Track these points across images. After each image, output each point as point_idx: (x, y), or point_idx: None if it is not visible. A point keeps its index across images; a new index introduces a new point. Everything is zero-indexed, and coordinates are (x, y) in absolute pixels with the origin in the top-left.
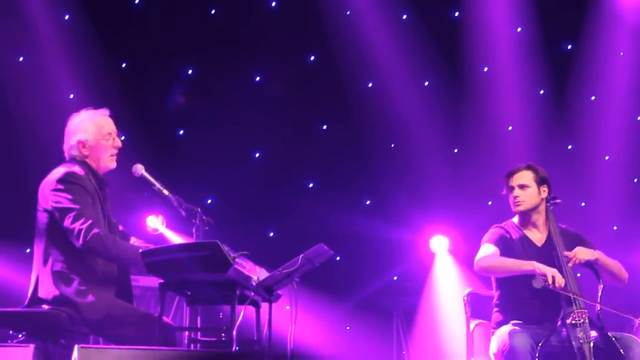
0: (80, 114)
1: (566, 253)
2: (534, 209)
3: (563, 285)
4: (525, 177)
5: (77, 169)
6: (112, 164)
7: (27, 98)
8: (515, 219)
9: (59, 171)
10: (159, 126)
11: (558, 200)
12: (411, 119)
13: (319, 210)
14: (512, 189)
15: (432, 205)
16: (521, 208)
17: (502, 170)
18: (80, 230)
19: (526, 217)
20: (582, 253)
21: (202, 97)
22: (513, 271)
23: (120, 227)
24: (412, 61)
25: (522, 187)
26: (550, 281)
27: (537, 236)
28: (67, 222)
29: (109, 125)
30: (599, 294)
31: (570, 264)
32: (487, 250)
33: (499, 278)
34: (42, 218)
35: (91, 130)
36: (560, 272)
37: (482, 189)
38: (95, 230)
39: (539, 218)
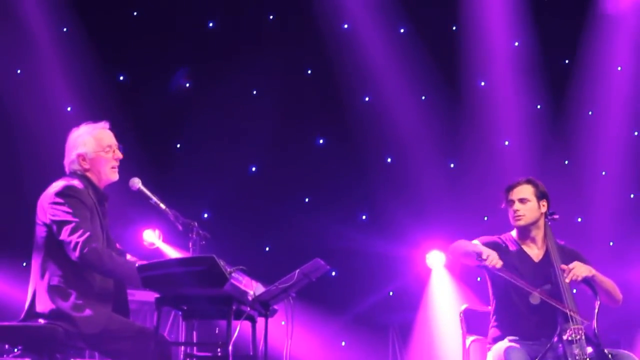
0: (80, 128)
1: (563, 266)
2: (534, 223)
3: (498, 266)
4: (526, 191)
5: (76, 182)
6: (114, 176)
7: (25, 110)
8: (514, 233)
9: (58, 184)
10: (156, 139)
11: (556, 216)
12: (408, 134)
13: (316, 224)
14: (512, 202)
15: (429, 220)
16: (521, 222)
17: (498, 185)
18: (77, 243)
19: (525, 232)
20: (579, 268)
21: (199, 111)
22: (464, 251)
23: (118, 245)
24: (409, 75)
25: (522, 200)
26: (484, 257)
27: (535, 251)
28: (64, 235)
29: (109, 138)
30: (596, 310)
31: (567, 279)
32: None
33: (495, 292)
34: (40, 232)
35: (91, 143)
36: (558, 288)
37: (479, 204)
38: (93, 245)
39: (538, 233)
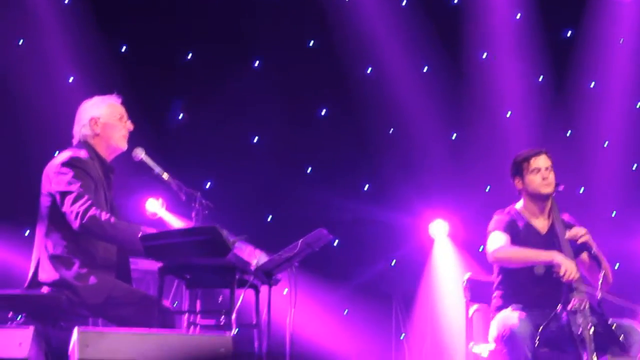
0: (92, 99)
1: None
2: (550, 194)
3: (575, 278)
4: (549, 160)
5: (83, 153)
6: (123, 144)
7: (27, 82)
8: (519, 206)
9: (64, 155)
10: (159, 110)
11: (561, 188)
12: (410, 105)
13: (318, 195)
14: (537, 170)
15: (432, 189)
16: (550, 190)
17: (501, 156)
18: (77, 212)
19: (536, 204)
20: (583, 231)
21: (202, 81)
22: (531, 262)
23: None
24: (411, 47)
25: (548, 169)
26: (562, 273)
27: (541, 224)
28: (66, 205)
29: (121, 109)
30: (600, 281)
31: (567, 235)
32: (498, 238)
33: (508, 267)
34: (45, 201)
35: (105, 109)
36: None
37: (481, 174)
38: (92, 212)
39: (547, 205)
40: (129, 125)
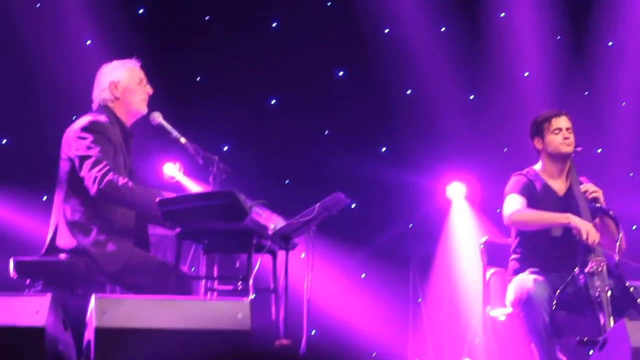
0: (111, 63)
1: (583, 186)
2: (570, 154)
3: (597, 241)
4: (567, 121)
5: (102, 118)
6: (143, 108)
7: (45, 44)
8: (538, 167)
9: (84, 119)
10: (176, 73)
11: (579, 149)
12: (428, 66)
13: (336, 157)
14: (558, 130)
15: (449, 152)
16: (571, 149)
17: (518, 116)
18: (95, 177)
19: (555, 164)
20: (594, 187)
21: (219, 44)
22: (548, 224)
23: None
24: (428, 7)
25: (568, 129)
26: (584, 236)
27: (559, 185)
28: (84, 170)
29: (141, 73)
30: (617, 243)
31: (582, 188)
32: (514, 201)
33: (524, 229)
34: (64, 166)
35: (124, 73)
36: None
37: (499, 135)
38: (110, 177)
39: (566, 166)
40: (149, 89)
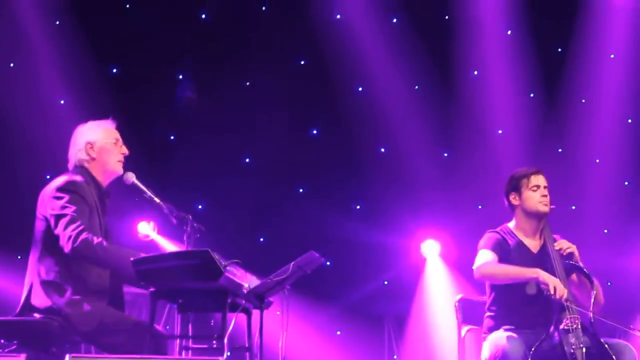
0: (87, 123)
1: (558, 242)
2: (546, 214)
3: (565, 296)
4: (544, 180)
5: (78, 178)
6: (119, 169)
7: (19, 103)
8: (511, 224)
9: (60, 179)
10: (150, 132)
11: (552, 206)
12: (401, 123)
13: (310, 215)
14: (537, 187)
15: (423, 209)
16: (547, 209)
17: (493, 174)
18: (70, 236)
19: (530, 222)
20: (567, 244)
21: (192, 102)
22: (515, 278)
23: None
24: (402, 65)
25: (546, 187)
26: (552, 292)
27: (534, 243)
28: (59, 228)
29: (116, 134)
30: (592, 300)
31: (557, 246)
32: (485, 256)
33: (492, 284)
34: (40, 226)
35: (100, 133)
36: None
37: (473, 193)
38: (84, 236)
39: (540, 224)
40: (124, 150)
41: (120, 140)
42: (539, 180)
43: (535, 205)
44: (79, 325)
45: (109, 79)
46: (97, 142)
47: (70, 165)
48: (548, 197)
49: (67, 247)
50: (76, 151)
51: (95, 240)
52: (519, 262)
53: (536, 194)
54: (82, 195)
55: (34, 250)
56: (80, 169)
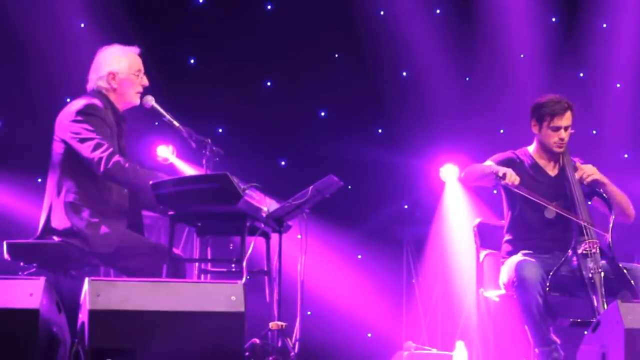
0: (112, 47)
1: (578, 165)
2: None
3: (517, 182)
4: (570, 118)
5: (97, 101)
6: (137, 100)
7: (38, 27)
8: (531, 148)
9: (79, 103)
10: (170, 56)
11: (572, 131)
12: (423, 47)
13: (330, 139)
14: (557, 129)
15: (443, 133)
16: (562, 151)
17: (513, 98)
18: (100, 158)
19: (547, 152)
20: (591, 169)
21: (213, 26)
22: (481, 174)
23: None
24: None
25: (567, 128)
26: (500, 175)
27: (551, 166)
28: (87, 152)
29: (139, 63)
30: (611, 224)
31: (577, 175)
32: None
33: (510, 207)
34: (58, 148)
35: (124, 64)
36: (573, 202)
37: (494, 117)
38: (116, 158)
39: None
40: (145, 81)
41: (142, 70)
42: (562, 121)
43: (550, 144)
44: (98, 248)
45: (129, 3)
46: (120, 74)
47: (89, 88)
48: (566, 139)
49: (99, 170)
50: (97, 77)
51: (127, 162)
52: (534, 183)
53: (554, 136)
54: (102, 117)
55: (52, 172)
56: (99, 94)
